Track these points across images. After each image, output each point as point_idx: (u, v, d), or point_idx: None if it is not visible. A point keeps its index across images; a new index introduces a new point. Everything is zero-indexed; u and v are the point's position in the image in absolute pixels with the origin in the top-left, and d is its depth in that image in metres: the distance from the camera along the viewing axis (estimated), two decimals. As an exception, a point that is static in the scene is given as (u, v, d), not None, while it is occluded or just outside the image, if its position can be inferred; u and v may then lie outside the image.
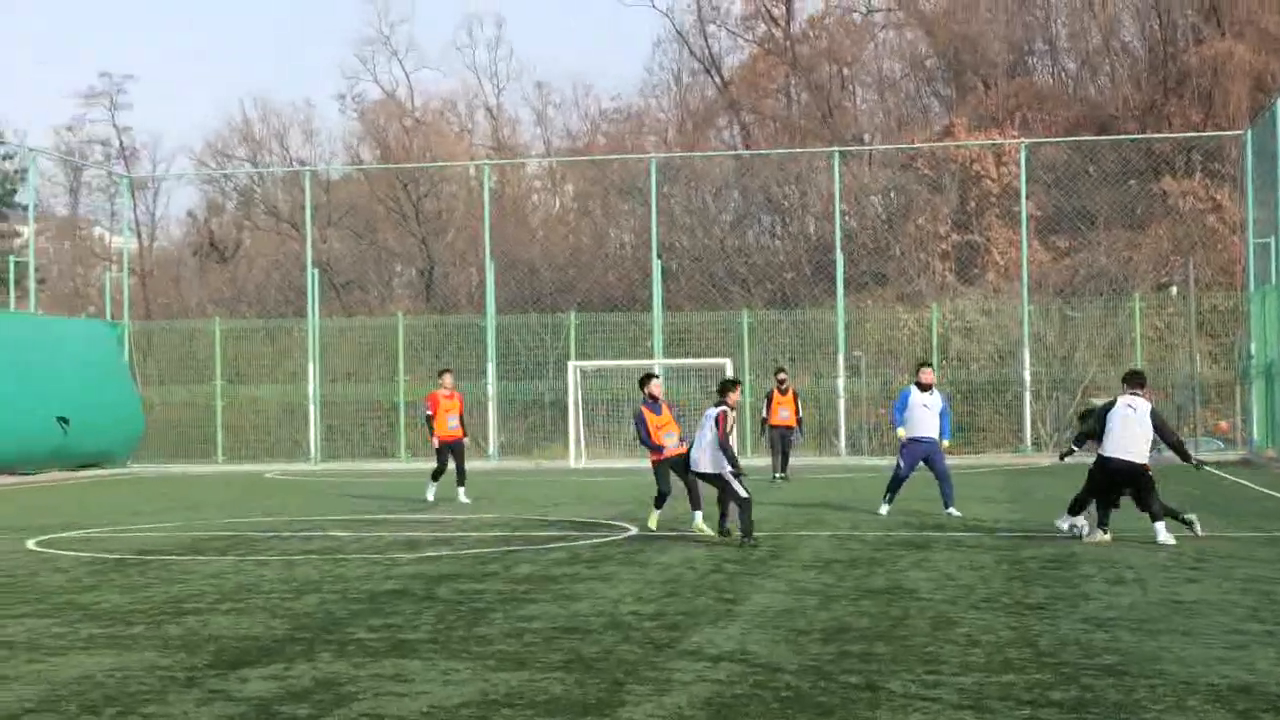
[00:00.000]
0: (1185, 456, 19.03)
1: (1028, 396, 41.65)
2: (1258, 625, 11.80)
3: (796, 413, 32.09)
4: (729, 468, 18.93)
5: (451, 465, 26.90)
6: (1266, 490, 27.19)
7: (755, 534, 18.61)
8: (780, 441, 31.99)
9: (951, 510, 22.28)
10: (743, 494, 18.75)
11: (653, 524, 20.67)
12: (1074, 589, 14.05)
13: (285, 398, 45.88)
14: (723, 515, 19.46)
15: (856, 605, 13.21)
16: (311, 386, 44.51)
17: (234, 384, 46.85)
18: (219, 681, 10.21)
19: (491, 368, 43.59)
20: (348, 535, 20.71)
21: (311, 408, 44.41)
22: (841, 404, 41.89)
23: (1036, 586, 14.29)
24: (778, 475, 31.43)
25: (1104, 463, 18.54)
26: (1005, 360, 43.99)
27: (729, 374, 39.91)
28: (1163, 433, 18.52)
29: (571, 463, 39.84)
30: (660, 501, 20.53)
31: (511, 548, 18.77)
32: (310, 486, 32.87)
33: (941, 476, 22.53)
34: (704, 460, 19.16)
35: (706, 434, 19.13)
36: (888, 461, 39.95)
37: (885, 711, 8.91)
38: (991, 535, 19.41)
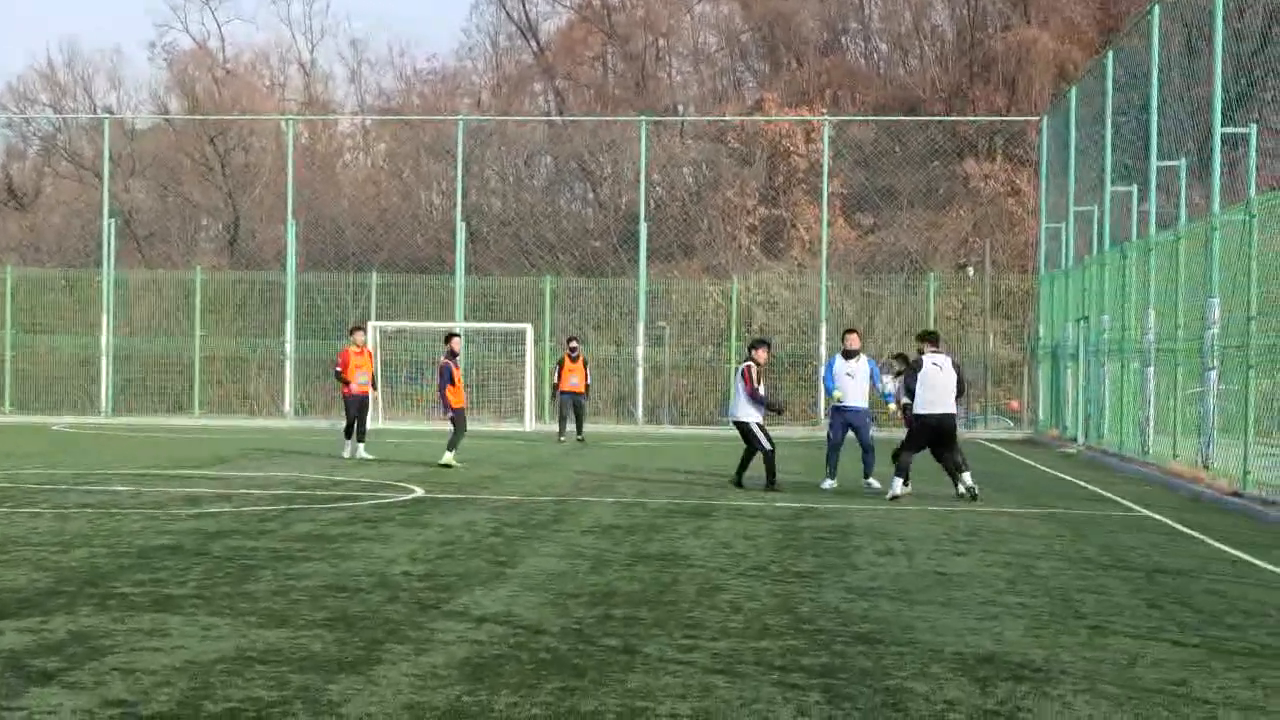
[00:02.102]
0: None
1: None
2: (1013, 598, 12.12)
3: (586, 379, 33.65)
4: (756, 419, 21.83)
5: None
6: (1045, 468, 27.89)
7: (777, 478, 21.57)
8: (570, 406, 33.29)
9: (871, 482, 22.25)
10: (766, 446, 21.65)
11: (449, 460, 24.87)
12: (843, 559, 14.31)
13: (81, 349, 45.07)
14: (741, 468, 22.05)
15: (629, 570, 13.34)
16: (105, 338, 43.76)
17: (30, 333, 45.90)
18: (-29, 633, 10.05)
19: (290, 325, 43.16)
20: (128, 490, 20.43)
21: (104, 360, 43.67)
22: (640, 372, 42.14)
23: (807, 556, 14.53)
24: (561, 438, 32.89)
25: (922, 419, 20.46)
26: (806, 334, 44.53)
27: (529, 340, 40.03)
28: (961, 385, 20.73)
29: (369, 423, 39.56)
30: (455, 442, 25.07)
31: (293, 506, 18.65)
32: (99, 440, 32.33)
33: (865, 447, 22.45)
34: (738, 411, 22.16)
35: (738, 388, 22.00)
36: (686, 431, 40.38)
37: (638, 674, 9.02)
38: (774, 505, 19.68)
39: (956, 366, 20.84)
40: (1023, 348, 44.34)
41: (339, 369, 27.93)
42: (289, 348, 43.05)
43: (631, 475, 24.38)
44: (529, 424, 39.52)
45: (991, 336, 43.66)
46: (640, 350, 42.26)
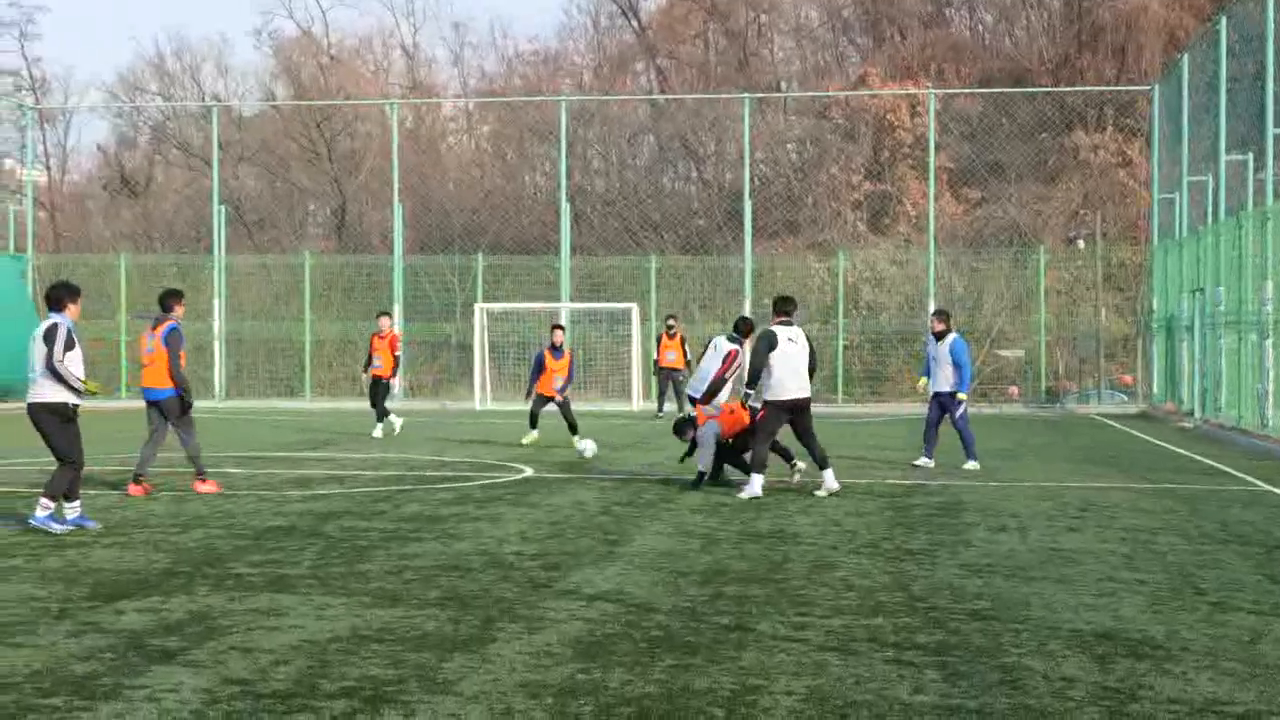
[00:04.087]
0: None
1: (934, 346, 41.92)
2: (1129, 574, 11.98)
3: (684, 356, 34.12)
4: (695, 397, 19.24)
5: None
6: (1159, 443, 27.56)
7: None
8: (669, 383, 34.69)
9: (972, 464, 21.84)
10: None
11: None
12: (956, 536, 14.21)
13: (193, 334, 45.52)
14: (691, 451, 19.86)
15: (738, 549, 13.31)
16: (217, 323, 44.25)
17: (143, 319, 46.43)
18: (92, 614, 10.19)
19: (398, 308, 43.42)
20: (242, 472, 20.64)
21: (217, 345, 44.15)
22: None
23: (919, 533, 14.44)
24: (660, 415, 34.12)
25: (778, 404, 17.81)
26: (914, 310, 44.24)
27: (635, 318, 40.04)
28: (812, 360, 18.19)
29: (476, 405, 39.81)
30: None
31: (404, 487, 18.77)
32: (212, 424, 32.68)
33: (955, 428, 22.03)
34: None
35: (712, 368, 19.23)
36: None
37: (751, 652, 9.00)
38: (883, 483, 19.58)
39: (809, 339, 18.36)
40: (1136, 321, 43.81)
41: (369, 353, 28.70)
42: (397, 330, 43.28)
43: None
44: (635, 403, 39.57)
45: (1103, 310, 43.19)
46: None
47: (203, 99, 69.61)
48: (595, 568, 12.20)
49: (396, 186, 45.10)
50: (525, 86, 67.21)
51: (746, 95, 46.49)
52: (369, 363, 28.60)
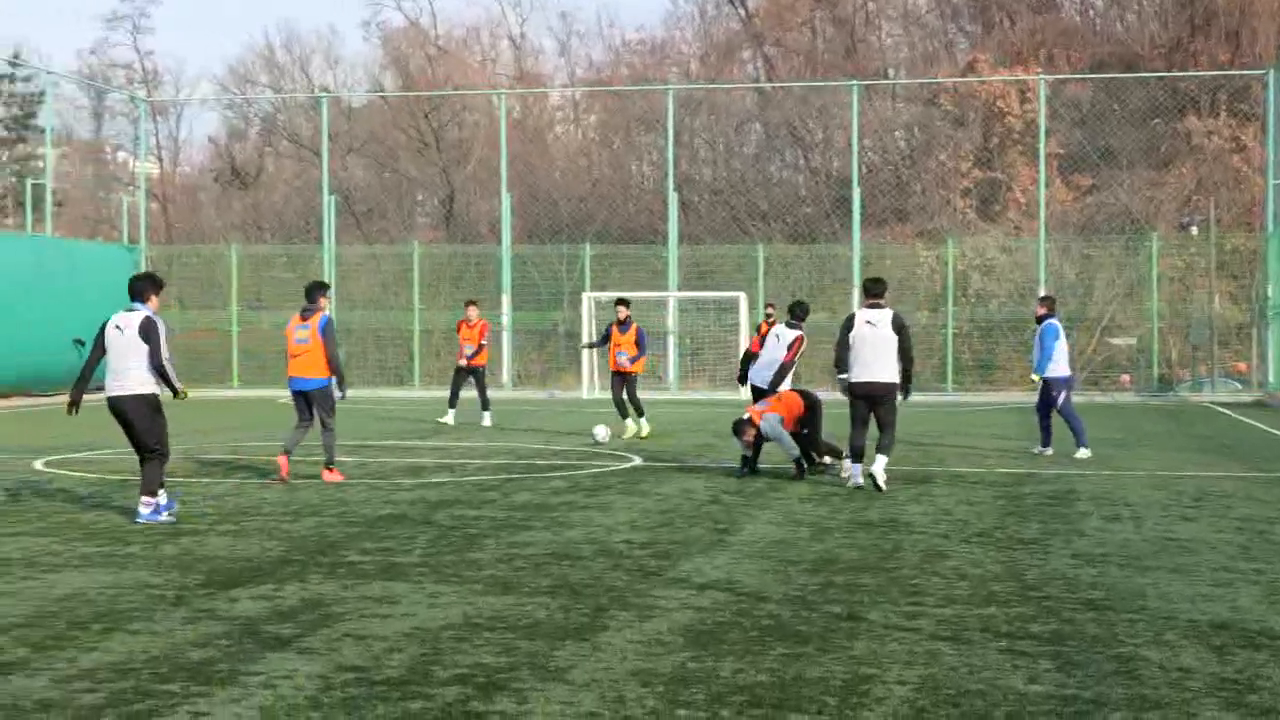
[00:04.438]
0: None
1: (1044, 334, 41.57)
2: (1246, 564, 11.82)
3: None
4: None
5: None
6: (1275, 431, 27.16)
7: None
8: None
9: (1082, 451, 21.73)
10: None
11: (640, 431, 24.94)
12: (1069, 525, 14.07)
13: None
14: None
15: (849, 537, 13.26)
16: (328, 313, 44.57)
17: (254, 310, 46.93)
18: (207, 600, 10.31)
19: (506, 298, 43.60)
20: (352, 461, 20.80)
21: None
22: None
23: (1032, 522, 14.32)
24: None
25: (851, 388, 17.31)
26: (1024, 298, 43.85)
27: (743, 307, 39.97)
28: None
29: (584, 393, 39.90)
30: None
31: (513, 476, 18.85)
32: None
33: (1062, 415, 22.01)
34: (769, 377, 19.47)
35: (777, 357, 19.48)
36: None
37: (863, 641, 8.96)
38: (994, 472, 19.43)
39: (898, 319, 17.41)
40: (1250, 308, 43.21)
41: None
42: (505, 319, 43.49)
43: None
44: (745, 392, 39.45)
45: (1216, 297, 42.64)
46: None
47: (312, 90, 70.18)
48: (705, 556, 12.20)
49: (505, 176, 45.27)
50: (632, 76, 67.23)
51: (855, 83, 46.25)
52: (474, 351, 28.79)
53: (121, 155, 79.16)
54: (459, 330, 29.04)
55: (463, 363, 28.73)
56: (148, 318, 14.55)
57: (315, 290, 18.62)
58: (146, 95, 72.53)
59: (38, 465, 20.34)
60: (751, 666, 8.31)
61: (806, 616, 9.68)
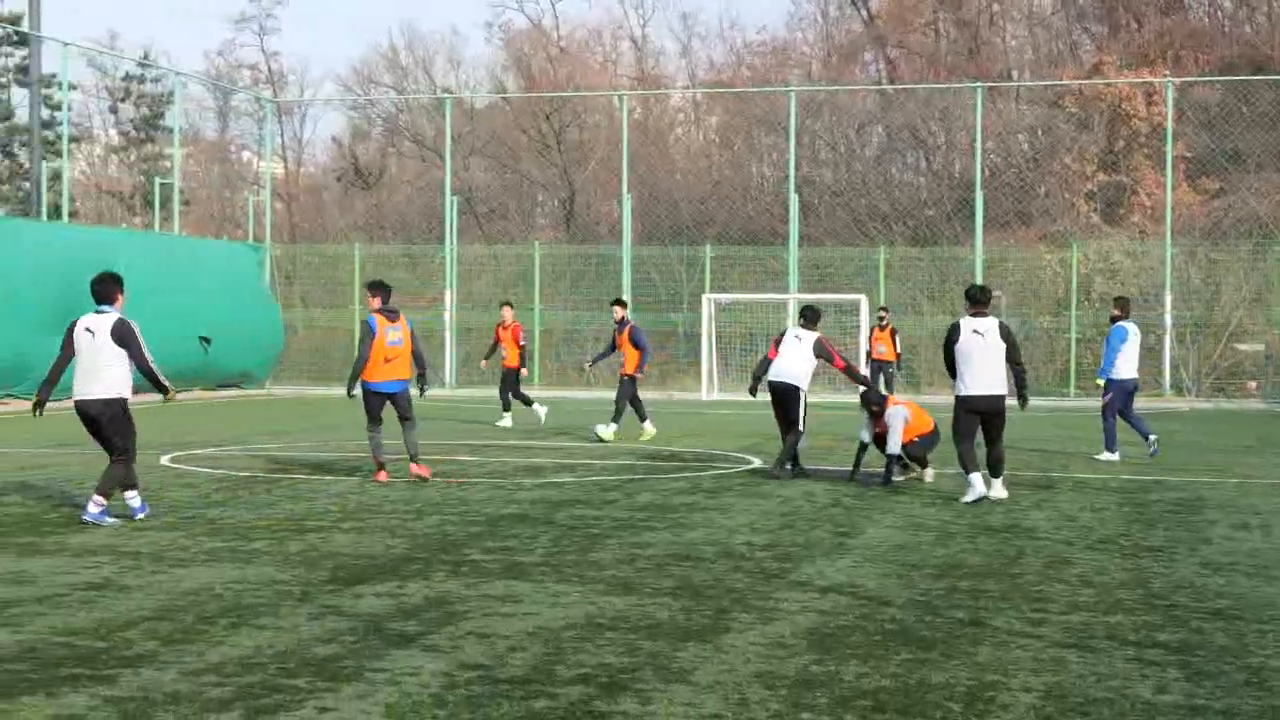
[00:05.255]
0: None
1: (1169, 340, 41.05)
2: (1380, 575, 11.61)
3: (894, 348, 34.25)
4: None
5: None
6: None
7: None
8: (879, 375, 34.46)
9: (1109, 455, 21.78)
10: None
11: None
12: (1195, 533, 13.89)
13: (424, 323, 46.21)
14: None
15: (972, 542, 13.16)
16: (448, 313, 44.92)
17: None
18: (333, 597, 10.40)
19: (627, 298, 43.65)
20: (474, 460, 20.92)
21: (447, 333, 44.82)
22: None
23: (1157, 529, 14.14)
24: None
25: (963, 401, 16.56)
26: (1149, 303, 43.31)
27: (864, 310, 39.78)
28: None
29: (704, 395, 39.90)
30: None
31: (634, 476, 18.89)
32: (443, 411, 33.14)
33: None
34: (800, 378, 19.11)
35: (814, 363, 19.14)
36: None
37: (987, 647, 8.89)
38: (1117, 478, 19.21)
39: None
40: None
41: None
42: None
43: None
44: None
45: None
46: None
47: (435, 91, 70.64)
48: (827, 559, 12.16)
49: (625, 177, 45.36)
50: (753, 77, 67.11)
51: (978, 85, 45.94)
52: (492, 351, 29.38)
53: (246, 155, 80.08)
54: (497, 333, 29.23)
55: (504, 365, 28.87)
56: (120, 320, 14.23)
57: (388, 291, 18.43)
58: (272, 96, 73.36)
59: (163, 461, 20.63)
60: (875, 671, 8.27)
61: (930, 621, 9.62)
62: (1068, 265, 43.76)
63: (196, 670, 8.21)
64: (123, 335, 14.13)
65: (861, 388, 19.42)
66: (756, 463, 20.71)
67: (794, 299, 42.13)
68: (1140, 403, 38.08)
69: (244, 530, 13.69)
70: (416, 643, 8.92)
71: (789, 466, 18.71)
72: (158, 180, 46.88)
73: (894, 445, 17.94)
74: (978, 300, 16.76)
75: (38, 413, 14.74)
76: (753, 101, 59.57)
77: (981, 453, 16.45)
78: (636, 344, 25.34)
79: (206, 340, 39.93)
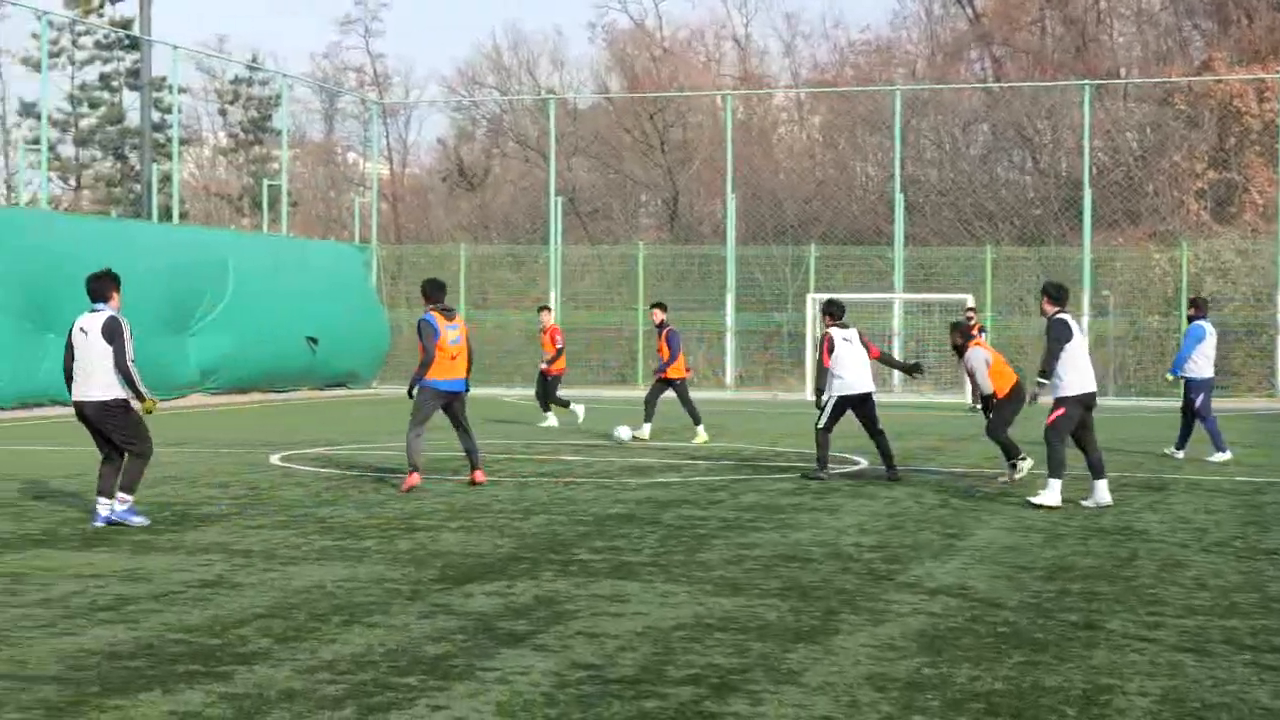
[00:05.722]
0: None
1: (1282, 340, 40.50)
2: None
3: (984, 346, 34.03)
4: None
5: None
6: None
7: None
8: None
9: (1174, 451, 22.03)
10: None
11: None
12: (1312, 536, 13.69)
13: (528, 323, 46.36)
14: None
15: (1083, 544, 13.03)
16: (552, 313, 44.98)
17: (480, 309, 47.54)
18: (443, 596, 10.45)
19: (730, 298, 43.63)
20: (579, 460, 20.96)
21: (552, 334, 44.90)
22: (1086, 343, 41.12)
23: (1273, 531, 13.95)
24: (974, 408, 33.01)
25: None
26: (1261, 302, 42.76)
27: (970, 306, 39.47)
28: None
29: (808, 395, 39.65)
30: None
31: (740, 477, 18.86)
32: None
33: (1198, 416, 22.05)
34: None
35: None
36: (1131, 403, 39.26)
37: (1102, 650, 8.80)
38: (1231, 479, 18.96)
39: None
40: None
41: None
42: (729, 320, 43.54)
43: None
44: (971, 396, 39.02)
45: None
46: (1085, 320, 41.28)
47: (538, 92, 70.91)
48: (936, 561, 12.08)
49: (730, 177, 45.30)
50: (857, 76, 66.84)
51: (1086, 83, 45.52)
52: (552, 357, 29.05)
53: (352, 156, 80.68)
54: (542, 338, 29.29)
55: (543, 366, 29.00)
56: (112, 318, 13.99)
57: (444, 290, 17.94)
58: (378, 97, 73.88)
59: (274, 460, 20.82)
60: (987, 674, 8.20)
61: (1042, 624, 9.54)
62: (1177, 264, 43.25)
63: (310, 668, 8.28)
64: (111, 333, 13.87)
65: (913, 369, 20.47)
66: (863, 463, 20.62)
67: (899, 298, 41.94)
68: (1251, 403, 37.65)
69: (354, 529, 13.79)
70: (526, 642, 8.94)
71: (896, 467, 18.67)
72: (265, 182, 47.34)
73: (984, 385, 18.41)
74: (1065, 299, 16.57)
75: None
76: (857, 100, 59.31)
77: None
78: (671, 345, 25.41)
79: (313, 341, 40.26)
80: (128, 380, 13.89)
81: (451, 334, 17.44)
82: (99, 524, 13.95)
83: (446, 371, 17.42)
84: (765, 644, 8.91)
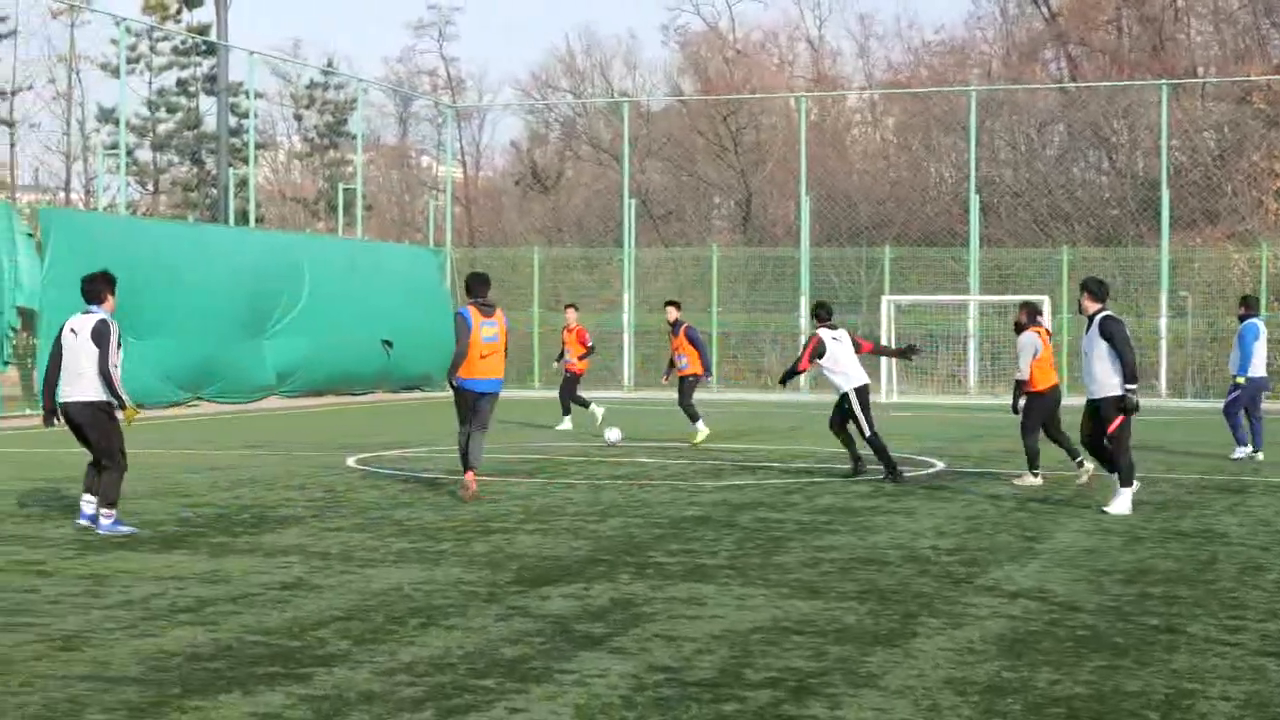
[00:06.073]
0: None
1: (1363, 340, 40.01)
2: None
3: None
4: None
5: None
6: None
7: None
8: None
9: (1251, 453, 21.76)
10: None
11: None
12: (1397, 539, 13.52)
13: (601, 326, 46.42)
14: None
15: (1162, 547, 12.92)
16: (626, 314, 45.07)
17: (554, 311, 47.59)
18: (520, 598, 10.47)
19: (804, 300, 43.50)
20: (653, 462, 20.96)
21: (625, 335, 44.98)
22: (1163, 345, 40.81)
23: (1356, 535, 13.79)
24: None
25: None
26: (1341, 303, 42.28)
27: (1046, 311, 39.16)
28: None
29: (883, 397, 39.60)
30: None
31: (815, 479, 18.80)
32: (621, 413, 33.25)
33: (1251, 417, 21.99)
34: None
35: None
36: (1210, 404, 38.86)
37: (1183, 654, 8.72)
38: (1313, 482, 18.77)
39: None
40: None
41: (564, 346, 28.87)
42: (804, 322, 43.41)
43: (1154, 449, 23.61)
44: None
45: None
46: (1162, 322, 40.96)
47: (611, 95, 71.01)
48: (1015, 564, 12.01)
49: (804, 179, 45.20)
50: (932, 77, 66.57)
51: (1163, 82, 45.14)
52: (561, 355, 28.89)
53: (426, 160, 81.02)
54: (563, 336, 28.98)
55: (568, 369, 28.64)
56: (102, 320, 13.76)
57: (486, 284, 17.03)
58: (451, 101, 74.17)
59: (350, 462, 20.92)
60: (1068, 677, 8.15)
61: (1122, 628, 9.46)
62: (1256, 265, 42.81)
63: (389, 669, 8.31)
64: (100, 335, 13.67)
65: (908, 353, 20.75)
66: (939, 465, 20.53)
67: (975, 300, 41.72)
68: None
69: (430, 531, 13.84)
70: (603, 644, 8.95)
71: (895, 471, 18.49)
72: (341, 186, 47.59)
73: (1023, 368, 18.38)
74: (1105, 297, 16.10)
75: (51, 422, 14.16)
76: (931, 101, 59.07)
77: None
78: (695, 343, 25.25)
79: (388, 344, 40.44)
80: (109, 384, 13.67)
81: (487, 330, 16.55)
82: (82, 521, 13.91)
83: (475, 370, 16.53)
84: (843, 647, 8.88)
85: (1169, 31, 65.12)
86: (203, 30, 61.26)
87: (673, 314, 25.83)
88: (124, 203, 40.88)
